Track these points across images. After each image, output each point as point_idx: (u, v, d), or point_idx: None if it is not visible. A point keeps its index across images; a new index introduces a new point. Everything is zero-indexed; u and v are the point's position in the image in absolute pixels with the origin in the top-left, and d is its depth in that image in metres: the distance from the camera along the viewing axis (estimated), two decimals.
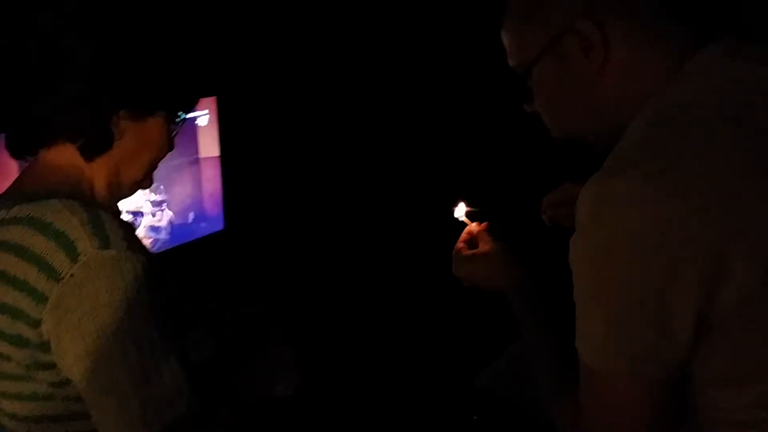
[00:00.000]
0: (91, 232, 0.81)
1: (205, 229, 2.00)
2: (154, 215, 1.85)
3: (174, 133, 0.98)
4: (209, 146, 1.96)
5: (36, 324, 0.81)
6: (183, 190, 1.92)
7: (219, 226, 2.04)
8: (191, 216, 1.95)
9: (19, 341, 0.83)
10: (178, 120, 0.97)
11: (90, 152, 0.91)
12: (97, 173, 0.93)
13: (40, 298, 0.81)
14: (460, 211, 1.15)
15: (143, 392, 0.82)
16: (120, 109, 0.90)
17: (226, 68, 1.98)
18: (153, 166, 0.98)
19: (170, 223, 1.88)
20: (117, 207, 1.01)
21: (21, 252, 0.82)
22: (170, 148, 0.99)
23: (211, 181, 2.00)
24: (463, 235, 1.15)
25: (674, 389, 0.75)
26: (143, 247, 0.86)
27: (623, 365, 0.74)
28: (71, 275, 0.80)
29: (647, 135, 0.76)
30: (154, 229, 1.85)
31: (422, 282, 2.03)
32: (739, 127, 0.72)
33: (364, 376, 1.79)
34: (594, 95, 0.84)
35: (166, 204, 1.87)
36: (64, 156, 0.91)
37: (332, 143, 2.36)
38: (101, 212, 0.85)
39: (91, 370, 0.81)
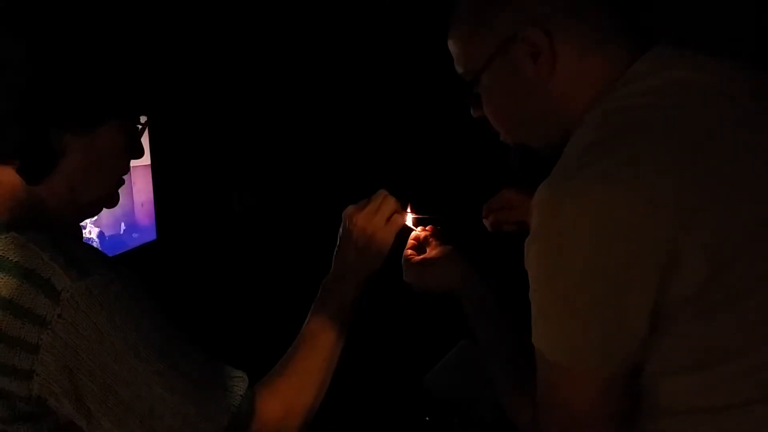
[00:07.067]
0: (64, 263, 0.73)
1: (137, 239, 1.96)
2: (84, 227, 1.79)
3: (139, 136, 0.87)
4: None
5: (24, 376, 0.73)
6: None
7: (151, 236, 2.00)
8: (123, 227, 1.90)
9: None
10: (140, 124, 0.86)
11: (31, 174, 0.78)
12: (48, 195, 0.80)
13: (29, 349, 0.72)
14: (408, 217, 1.16)
15: (182, 407, 0.76)
16: (59, 123, 0.77)
17: (157, 74, 1.94)
18: (116, 181, 0.87)
19: (101, 234, 1.83)
20: (80, 229, 0.93)
21: None
22: (139, 154, 0.88)
23: (143, 190, 1.96)
24: (410, 241, 1.15)
25: (631, 380, 0.77)
26: (114, 261, 0.79)
27: (585, 360, 0.75)
28: (59, 316, 0.72)
29: (598, 135, 0.78)
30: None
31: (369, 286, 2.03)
32: (686, 126, 0.75)
33: None
34: (542, 101, 0.86)
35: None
36: (2, 178, 0.78)
37: (267, 151, 2.34)
38: (65, 239, 0.77)
39: (112, 404, 0.74)
